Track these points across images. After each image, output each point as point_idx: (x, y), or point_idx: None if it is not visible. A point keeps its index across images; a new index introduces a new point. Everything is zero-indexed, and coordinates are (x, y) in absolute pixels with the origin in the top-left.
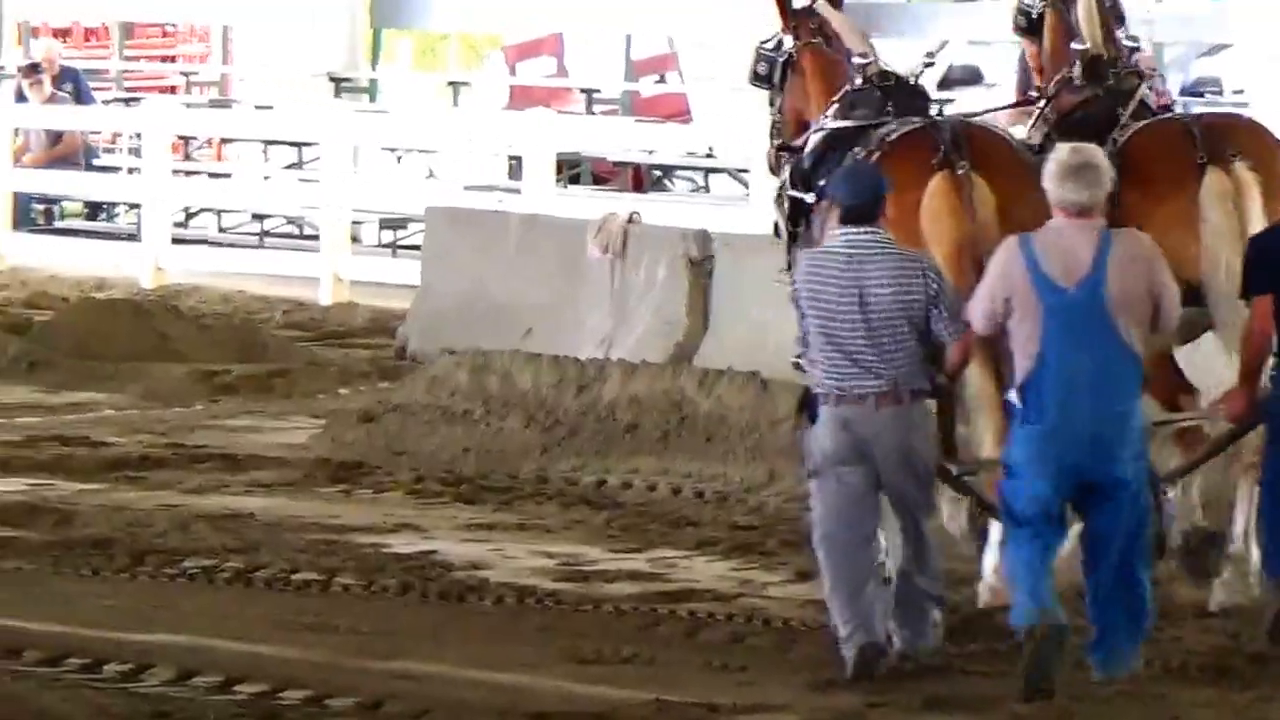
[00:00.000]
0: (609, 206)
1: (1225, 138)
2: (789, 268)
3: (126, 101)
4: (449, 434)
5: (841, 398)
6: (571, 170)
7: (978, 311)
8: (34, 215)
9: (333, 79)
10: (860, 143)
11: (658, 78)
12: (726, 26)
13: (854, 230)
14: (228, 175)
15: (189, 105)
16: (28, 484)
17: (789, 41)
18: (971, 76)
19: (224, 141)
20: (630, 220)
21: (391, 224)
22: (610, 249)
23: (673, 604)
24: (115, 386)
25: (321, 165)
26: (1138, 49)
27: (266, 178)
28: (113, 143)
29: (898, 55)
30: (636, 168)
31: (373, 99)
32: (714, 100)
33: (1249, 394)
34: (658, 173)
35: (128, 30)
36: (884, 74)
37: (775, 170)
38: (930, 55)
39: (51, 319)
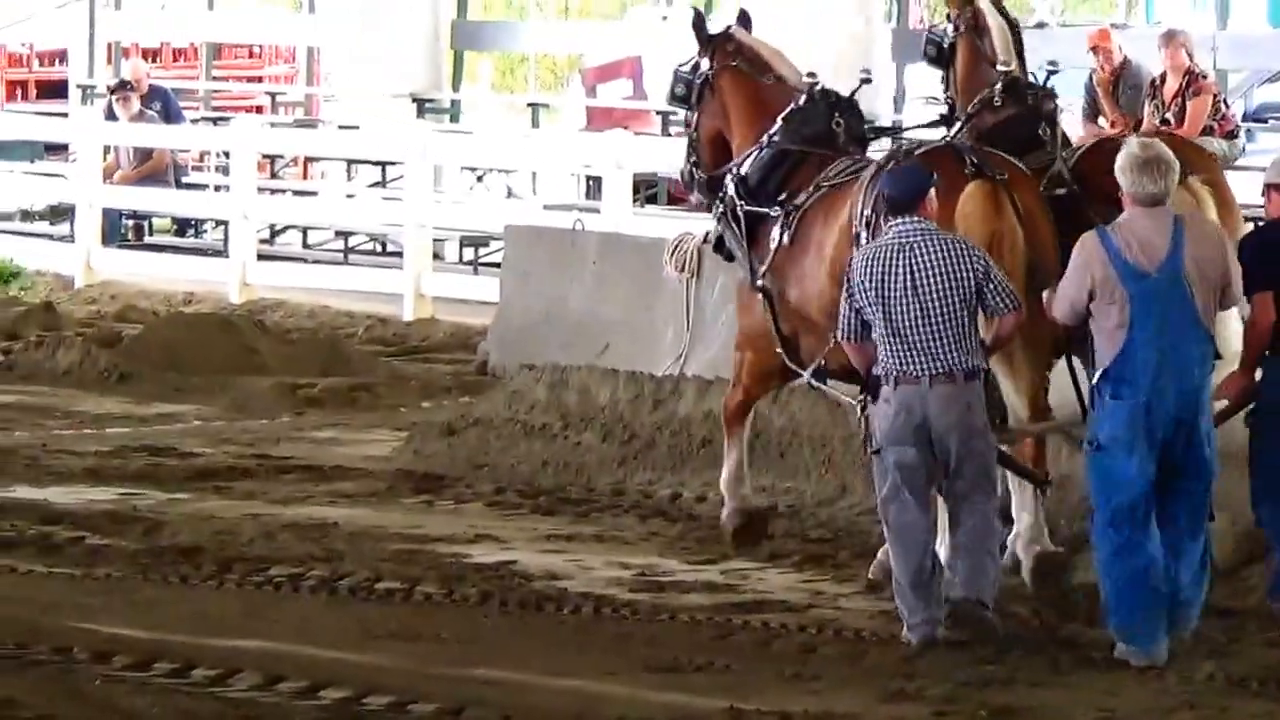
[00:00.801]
0: (685, 226)
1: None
2: (754, 279)
3: (214, 121)
4: (528, 448)
5: (900, 379)
6: (648, 190)
7: (1062, 304)
8: (124, 231)
9: (416, 100)
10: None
11: None
12: (797, 54)
13: (902, 222)
14: (313, 193)
15: (275, 125)
16: (118, 493)
17: (705, 64)
18: None
19: (309, 160)
20: (705, 240)
21: (472, 242)
22: (685, 268)
23: (746, 614)
24: (203, 399)
25: (404, 184)
26: (1056, 71)
27: (351, 196)
28: (201, 161)
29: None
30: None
31: (454, 120)
32: None
33: (1248, 378)
34: None
35: (216, 51)
36: (826, 93)
37: (689, 186)
38: (866, 72)
39: (141, 332)
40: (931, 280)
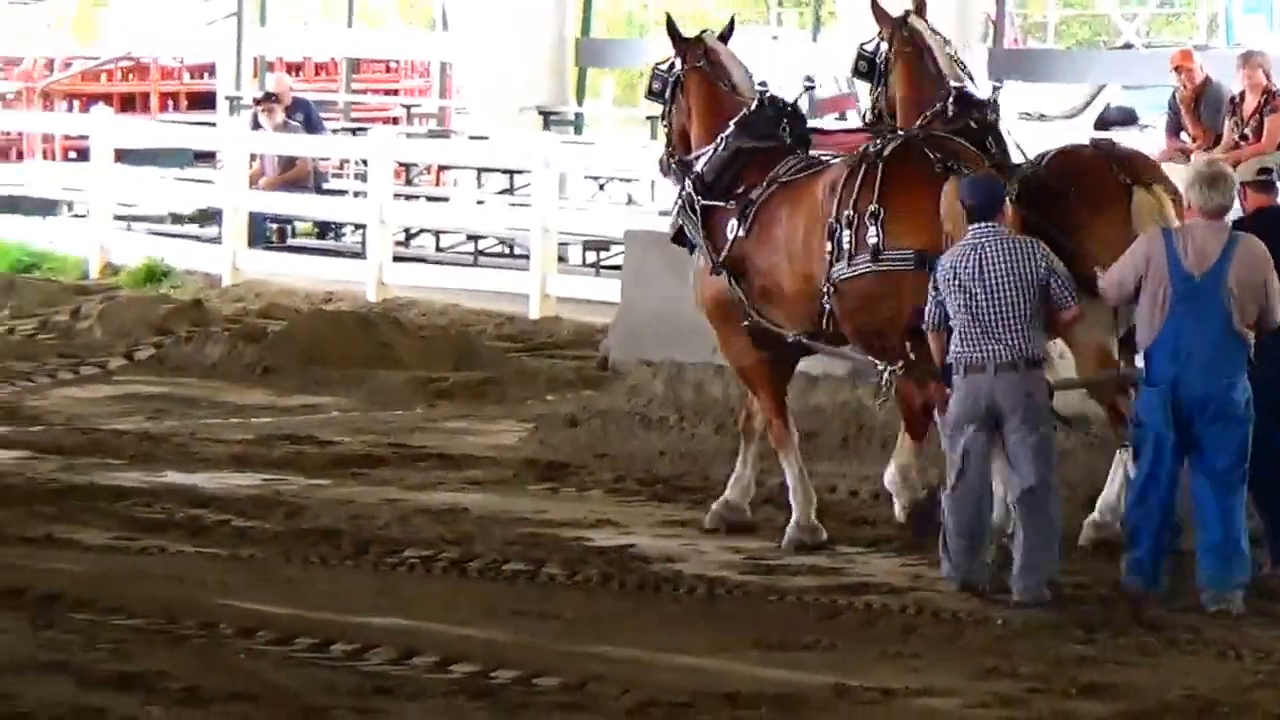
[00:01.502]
0: None
1: (1138, 164)
2: (715, 266)
3: (353, 131)
4: (646, 438)
5: (970, 366)
6: None
7: (1111, 284)
8: (268, 234)
9: (542, 112)
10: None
11: (839, 115)
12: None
13: (979, 225)
14: (445, 199)
15: (410, 135)
16: (262, 479)
17: (678, 65)
18: (1126, 118)
19: (442, 168)
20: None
21: (594, 246)
22: None
23: (850, 596)
24: (342, 391)
25: (531, 191)
26: (1000, 87)
27: (480, 202)
28: (341, 169)
29: (1052, 99)
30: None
31: (578, 131)
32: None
33: None
34: None
35: (355, 66)
36: (774, 99)
37: (665, 173)
38: (809, 80)
39: (284, 328)
40: (1000, 278)
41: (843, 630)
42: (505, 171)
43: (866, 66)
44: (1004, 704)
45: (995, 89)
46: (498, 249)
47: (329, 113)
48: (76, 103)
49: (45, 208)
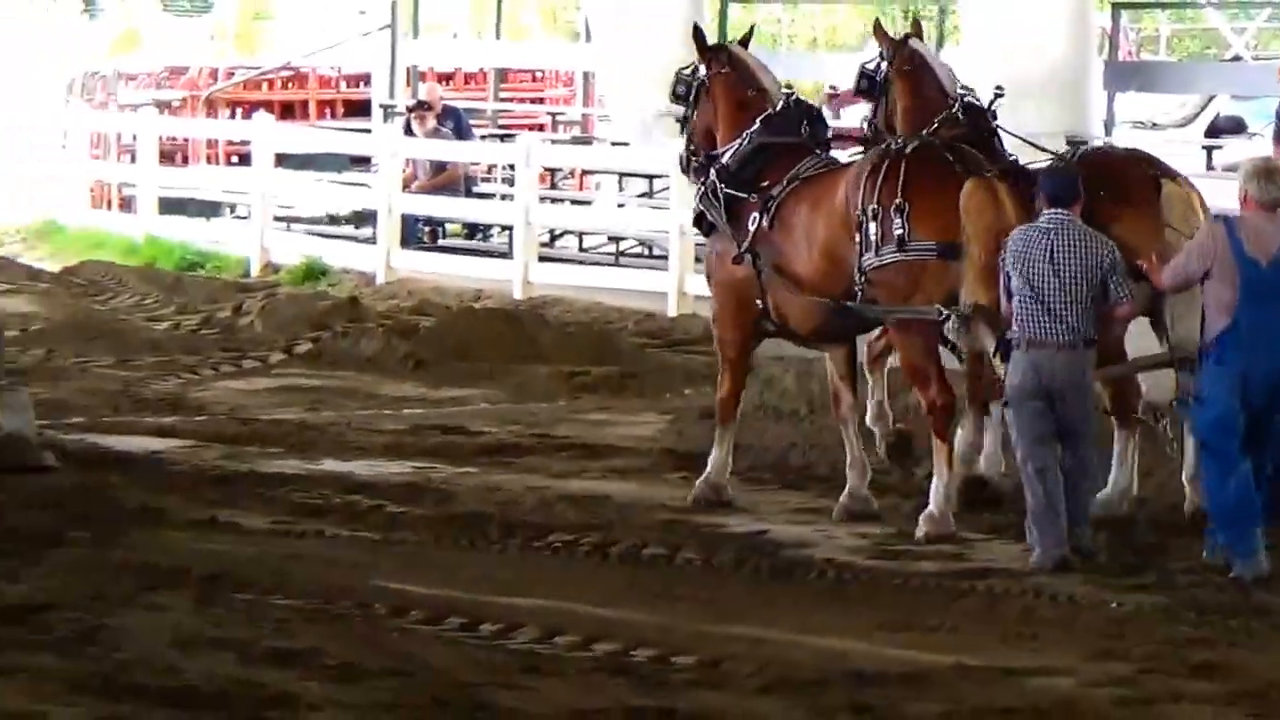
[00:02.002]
0: None
1: (1160, 162)
2: (740, 251)
3: (501, 137)
4: (778, 430)
5: (1032, 343)
6: None
7: (1177, 275)
8: (420, 235)
9: (679, 120)
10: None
11: None
12: (1020, 85)
13: (1054, 212)
14: (588, 202)
15: (555, 141)
16: (414, 467)
17: (703, 70)
18: (1236, 126)
19: (585, 173)
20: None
21: None
22: None
23: (973, 580)
24: (489, 384)
25: (670, 195)
26: (1001, 94)
27: (621, 205)
28: (489, 173)
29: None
30: None
31: None
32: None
33: None
34: None
35: (502, 75)
36: (799, 102)
37: (685, 169)
38: (834, 88)
39: (435, 324)
40: (1068, 262)
41: (965, 613)
42: (645, 176)
43: (867, 84)
44: (1117, 683)
45: (996, 96)
46: (637, 250)
47: (478, 120)
48: (239, 110)
49: (209, 209)
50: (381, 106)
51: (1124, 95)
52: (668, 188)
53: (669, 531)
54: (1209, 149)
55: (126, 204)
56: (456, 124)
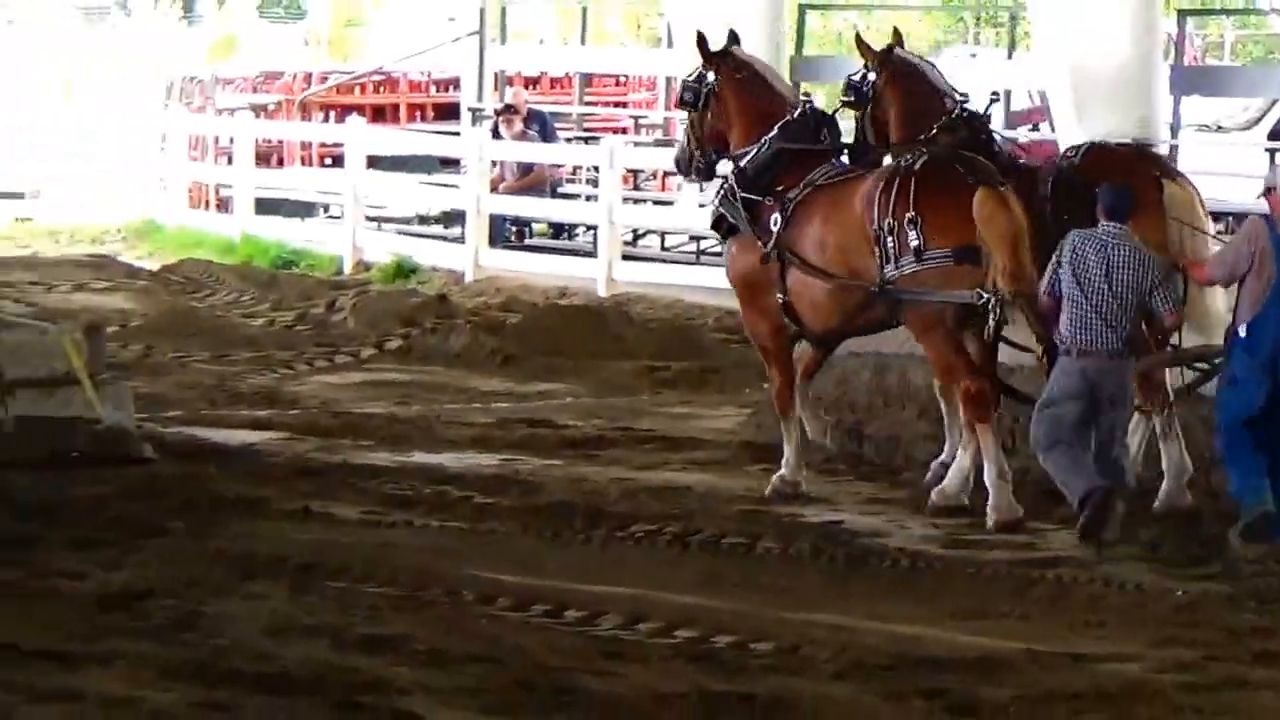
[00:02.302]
0: None
1: (1162, 160)
2: (766, 252)
3: (585, 140)
4: (854, 423)
5: (1084, 351)
6: None
7: (1223, 269)
8: (507, 234)
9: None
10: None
11: (1031, 126)
12: (1087, 89)
13: (1110, 224)
14: (670, 203)
15: (638, 144)
16: (501, 459)
17: (711, 76)
18: None
19: (667, 174)
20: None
21: None
22: None
23: (1042, 569)
24: (574, 379)
25: None
26: (997, 100)
27: (702, 205)
28: (574, 174)
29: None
30: None
31: None
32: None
33: None
34: None
35: (587, 80)
36: (815, 109)
37: (685, 170)
38: (995, 94)
39: (521, 321)
40: (1122, 276)
41: (1034, 600)
42: (724, 177)
43: (854, 95)
44: (1183, 669)
45: (992, 101)
46: (718, 248)
47: (563, 123)
48: (332, 113)
49: (303, 209)
50: (470, 110)
51: (1189, 99)
52: None
53: (748, 521)
54: (1272, 152)
55: (223, 204)
56: (542, 127)
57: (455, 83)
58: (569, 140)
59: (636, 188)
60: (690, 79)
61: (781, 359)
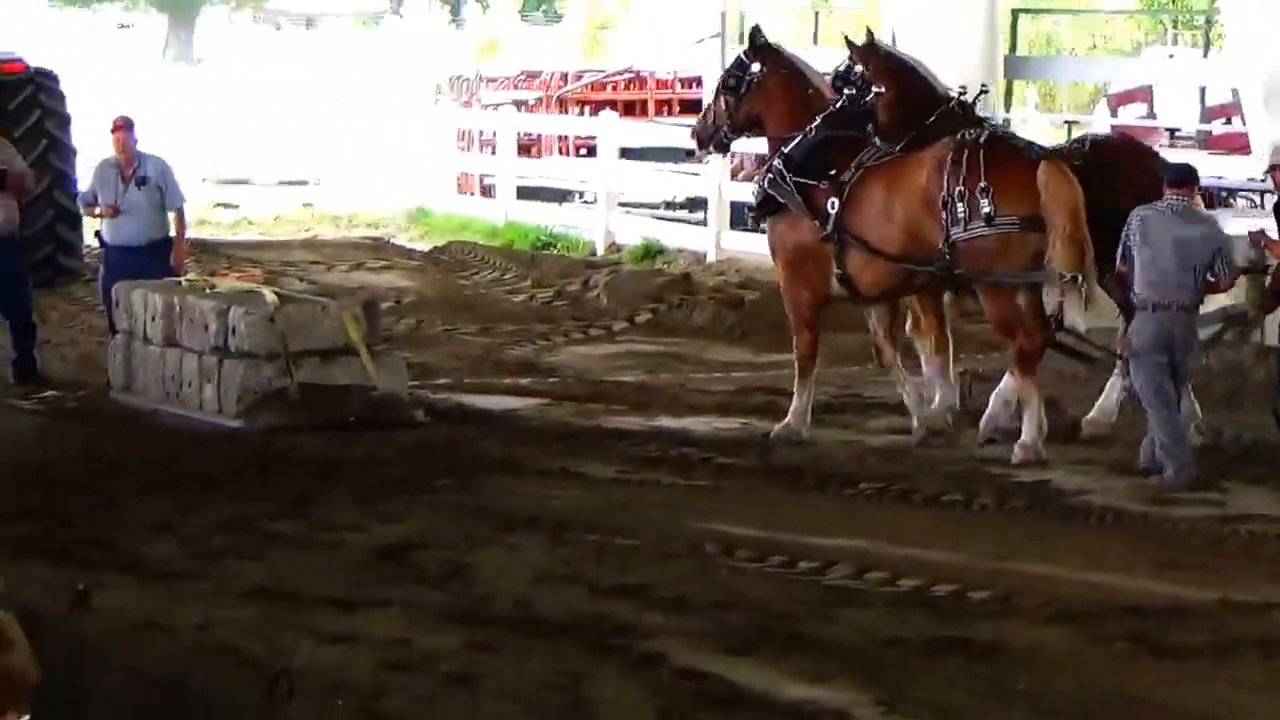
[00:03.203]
0: None
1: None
2: (825, 231)
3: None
4: (1063, 390)
5: (1156, 306)
6: None
7: None
8: (746, 218)
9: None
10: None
11: (1225, 120)
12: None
13: (1174, 195)
14: None
15: None
16: (740, 423)
17: (756, 67)
18: None
19: None
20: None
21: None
22: None
23: (1234, 524)
24: None
25: None
26: (986, 91)
27: None
28: None
29: None
30: (1205, 189)
31: None
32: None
33: None
34: (1224, 193)
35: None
36: (854, 101)
37: (705, 144)
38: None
39: (759, 298)
40: (1187, 238)
41: (1227, 553)
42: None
43: (842, 85)
44: None
45: (981, 93)
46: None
47: None
48: (586, 108)
49: (560, 196)
50: None
51: None
52: None
53: (965, 480)
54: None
55: (488, 191)
56: None
57: (699, 80)
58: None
59: None
60: (734, 68)
61: (813, 324)
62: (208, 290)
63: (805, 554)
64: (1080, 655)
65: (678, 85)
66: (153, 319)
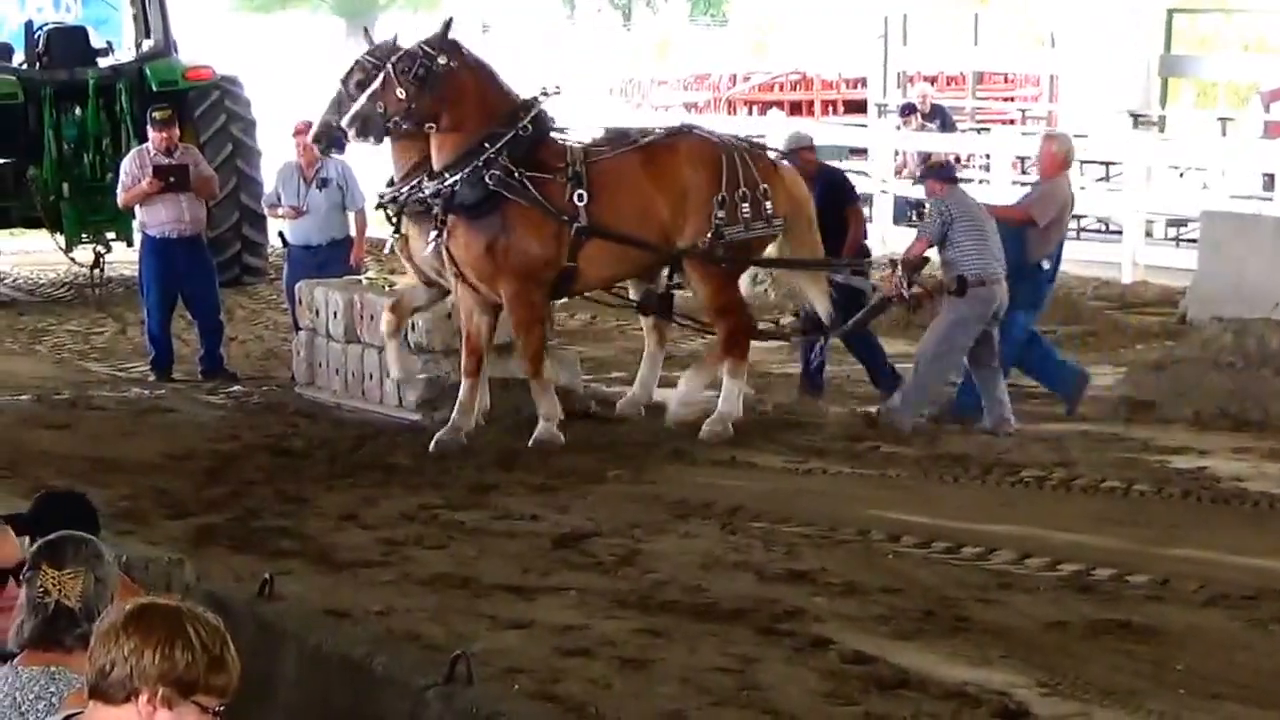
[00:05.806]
0: None
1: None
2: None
3: (978, 131)
4: (1218, 380)
5: (986, 280)
6: None
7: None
8: (908, 213)
9: (1131, 115)
10: None
11: None
12: None
13: (958, 188)
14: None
15: (1025, 134)
16: None
17: (443, 60)
18: None
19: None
20: None
21: (1175, 223)
22: None
23: None
24: None
25: (1123, 179)
26: None
27: (1082, 188)
28: (968, 161)
29: None
30: None
31: (1161, 130)
32: None
33: None
34: None
35: (979, 77)
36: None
37: (367, 132)
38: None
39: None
40: (991, 221)
41: None
42: (1103, 163)
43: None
44: None
45: (542, 93)
46: (1096, 226)
47: (959, 116)
48: (754, 108)
49: None
50: (876, 105)
51: None
52: (1121, 173)
53: (1125, 467)
54: None
55: None
56: (941, 120)
57: (863, 81)
58: (964, 131)
59: (1023, 173)
60: (421, 57)
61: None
62: (387, 288)
63: (969, 539)
64: (1237, 638)
65: (843, 86)
66: (334, 315)
